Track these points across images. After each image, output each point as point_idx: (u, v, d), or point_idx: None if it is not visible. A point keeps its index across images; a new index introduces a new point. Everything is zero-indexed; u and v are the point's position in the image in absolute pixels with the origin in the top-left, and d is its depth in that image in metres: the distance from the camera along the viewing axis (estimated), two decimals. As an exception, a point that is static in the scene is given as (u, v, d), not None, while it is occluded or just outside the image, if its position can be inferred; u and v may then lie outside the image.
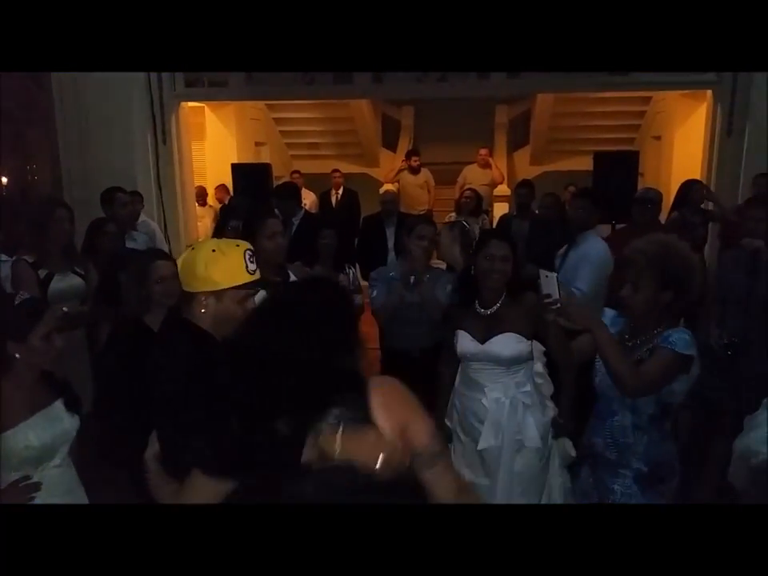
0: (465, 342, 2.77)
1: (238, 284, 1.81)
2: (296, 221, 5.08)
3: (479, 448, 2.70)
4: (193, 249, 1.88)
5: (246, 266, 1.83)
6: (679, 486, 2.29)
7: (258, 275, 1.87)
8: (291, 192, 5.44)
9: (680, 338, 2.10)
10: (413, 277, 3.33)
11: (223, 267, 1.79)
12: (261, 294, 1.89)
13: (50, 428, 2.06)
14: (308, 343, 1.29)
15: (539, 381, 2.87)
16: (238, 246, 1.87)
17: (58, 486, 2.08)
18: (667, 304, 2.15)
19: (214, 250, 1.80)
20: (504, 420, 2.68)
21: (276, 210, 5.03)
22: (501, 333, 2.70)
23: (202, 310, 1.79)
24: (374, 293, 3.47)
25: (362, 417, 1.28)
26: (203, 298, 1.79)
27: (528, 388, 2.77)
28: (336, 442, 1.28)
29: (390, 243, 5.29)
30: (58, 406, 2.13)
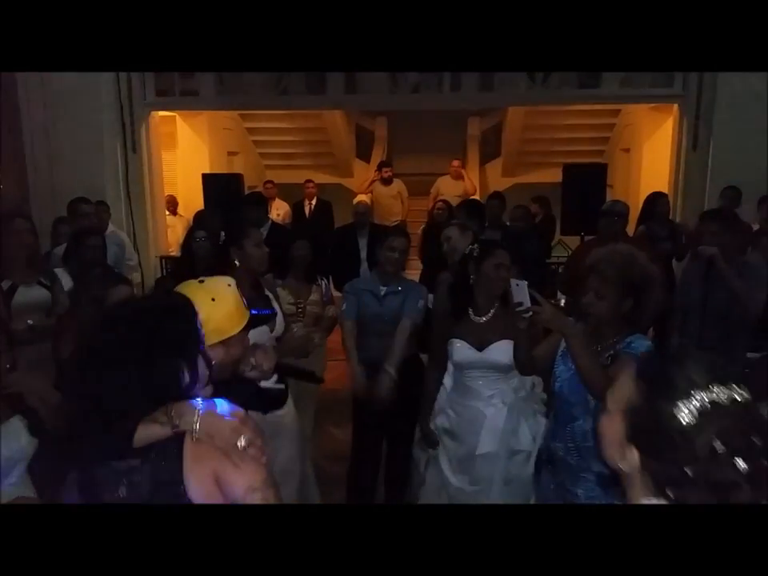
0: (462, 351, 2.78)
1: (245, 324, 1.74)
2: (264, 231, 5.06)
3: (478, 453, 2.72)
4: None
5: (244, 303, 1.76)
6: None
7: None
8: (259, 202, 5.42)
9: (642, 344, 2.16)
10: (384, 288, 3.33)
11: (228, 313, 1.70)
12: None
13: (5, 446, 2.00)
14: (138, 354, 1.28)
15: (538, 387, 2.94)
16: (229, 285, 1.76)
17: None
18: (627, 312, 2.21)
19: (213, 299, 1.67)
20: (501, 425, 2.72)
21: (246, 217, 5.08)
22: (497, 339, 2.74)
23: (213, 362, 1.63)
24: (344, 306, 3.46)
25: (171, 465, 1.25)
26: (211, 351, 1.60)
27: (524, 393, 2.82)
28: (195, 413, 1.26)
29: (363, 254, 5.30)
30: (15, 422, 2.08)
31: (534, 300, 2.32)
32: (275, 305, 3.09)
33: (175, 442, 1.25)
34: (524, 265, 4.20)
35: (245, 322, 1.75)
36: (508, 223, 5.59)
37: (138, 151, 6.27)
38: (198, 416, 1.26)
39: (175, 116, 8.21)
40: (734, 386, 0.97)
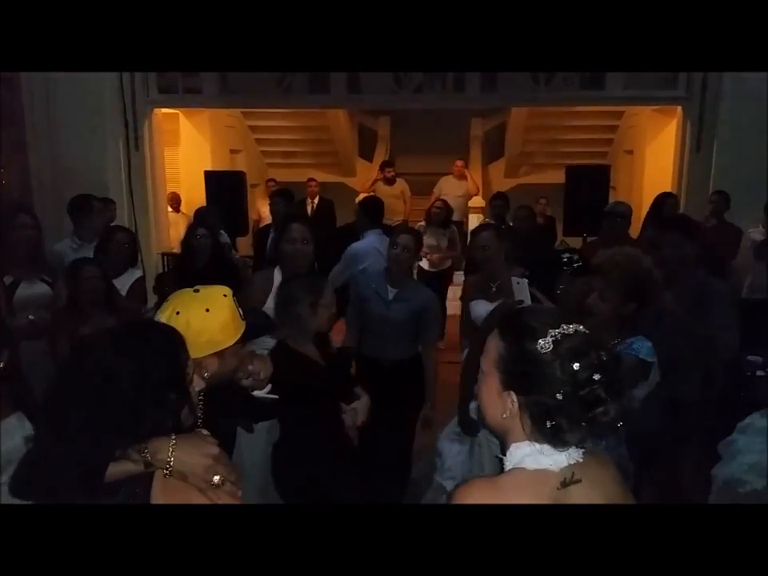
0: None
1: (239, 336, 1.70)
2: None
3: None
4: (178, 313, 1.62)
5: (240, 314, 1.71)
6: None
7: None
8: (287, 197, 5.50)
9: (642, 346, 2.18)
10: (393, 291, 3.34)
11: (223, 324, 1.65)
12: None
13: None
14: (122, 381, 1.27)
15: None
16: (225, 295, 1.71)
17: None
18: (629, 316, 2.21)
19: (208, 310, 1.63)
20: None
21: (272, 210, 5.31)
22: None
23: (205, 374, 1.62)
24: (348, 309, 3.48)
25: (140, 495, 1.26)
26: (205, 362, 1.62)
27: None
28: (168, 451, 1.26)
29: None
30: (10, 421, 2.03)
31: (534, 298, 2.32)
32: None
33: (146, 474, 1.26)
34: (527, 264, 4.21)
35: (240, 334, 1.70)
36: (512, 224, 5.59)
37: (140, 148, 6.27)
38: (172, 455, 1.25)
39: (178, 113, 8.21)
40: (575, 324, 1.17)
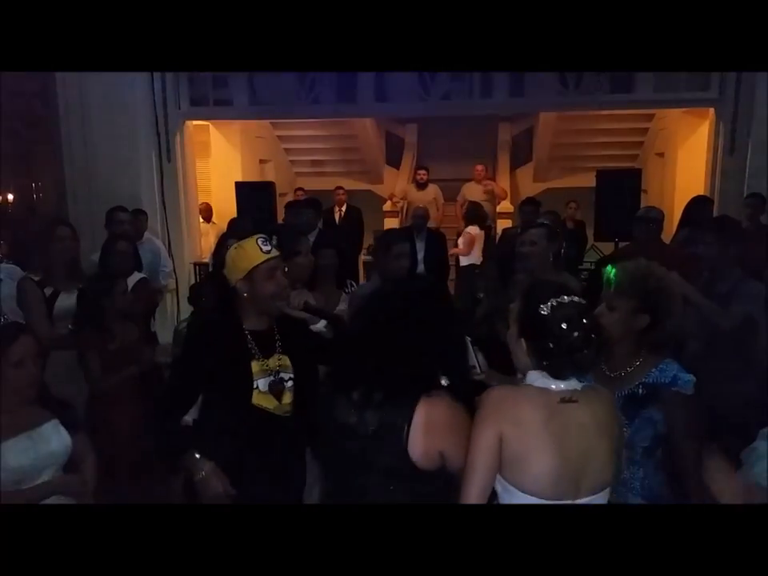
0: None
1: (256, 264, 2.17)
2: (311, 238, 5.15)
3: None
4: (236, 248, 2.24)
5: (260, 248, 2.19)
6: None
7: (274, 252, 2.23)
8: (315, 207, 5.51)
9: (687, 382, 2.01)
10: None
11: (243, 256, 2.20)
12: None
13: (32, 450, 2.01)
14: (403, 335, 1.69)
15: None
16: (254, 235, 2.24)
17: None
18: (644, 330, 2.06)
19: (235, 248, 2.22)
20: None
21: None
22: None
23: (244, 294, 2.19)
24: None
25: (399, 424, 1.61)
26: (240, 285, 2.19)
27: None
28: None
29: (420, 256, 5.64)
30: (47, 428, 2.09)
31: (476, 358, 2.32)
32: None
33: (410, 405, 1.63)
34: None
35: (258, 262, 2.17)
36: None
37: (172, 160, 6.37)
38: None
39: (209, 125, 8.33)
40: (574, 296, 1.63)
